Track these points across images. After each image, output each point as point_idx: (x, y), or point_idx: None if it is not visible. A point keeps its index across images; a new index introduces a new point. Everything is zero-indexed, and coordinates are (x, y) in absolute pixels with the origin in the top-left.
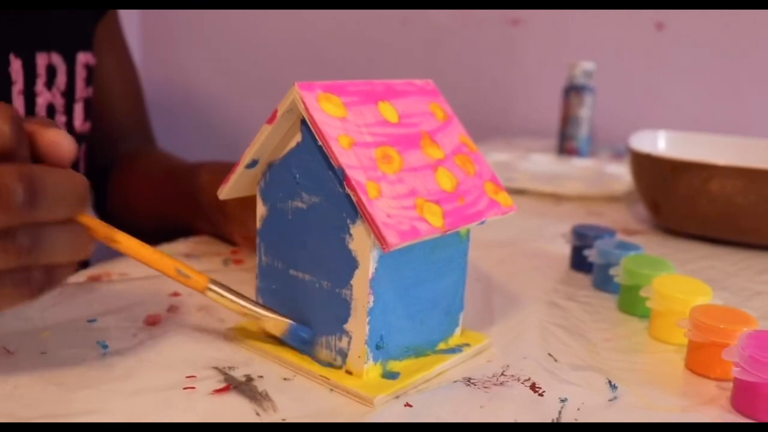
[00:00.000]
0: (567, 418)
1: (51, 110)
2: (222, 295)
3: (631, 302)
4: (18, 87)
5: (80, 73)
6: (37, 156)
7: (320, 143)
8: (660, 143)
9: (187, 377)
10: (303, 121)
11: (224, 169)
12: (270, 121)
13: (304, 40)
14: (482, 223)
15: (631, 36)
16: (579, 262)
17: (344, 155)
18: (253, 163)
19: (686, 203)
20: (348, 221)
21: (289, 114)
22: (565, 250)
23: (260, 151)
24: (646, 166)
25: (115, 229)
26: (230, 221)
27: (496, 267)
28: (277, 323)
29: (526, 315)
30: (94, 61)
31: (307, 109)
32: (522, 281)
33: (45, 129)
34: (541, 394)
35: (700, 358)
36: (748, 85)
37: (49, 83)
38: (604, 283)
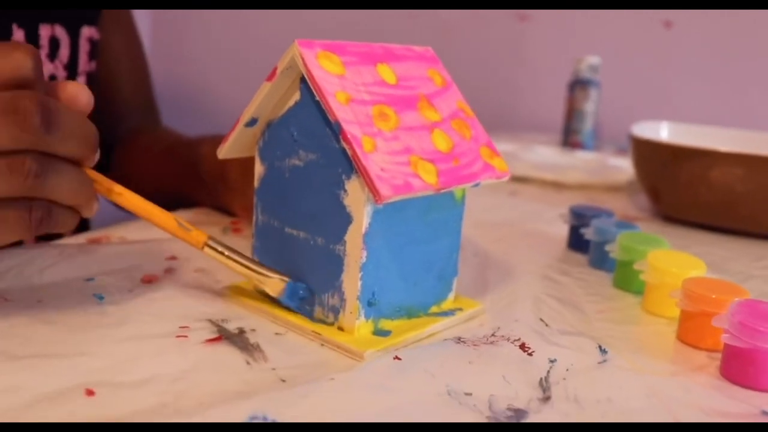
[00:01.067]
0: (555, 377)
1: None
2: (220, 252)
3: (626, 278)
4: None
5: (83, 47)
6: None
7: (318, 99)
8: (662, 133)
9: (180, 327)
10: (302, 80)
11: None
12: (269, 78)
13: (311, 36)
14: (477, 185)
15: (639, 33)
16: (576, 242)
17: (341, 110)
18: (252, 122)
19: (686, 191)
20: (343, 176)
21: (288, 72)
22: (563, 231)
23: (259, 109)
24: (647, 152)
25: (117, 184)
26: (230, 191)
27: (494, 244)
28: (274, 282)
29: (519, 286)
30: (98, 36)
31: (305, 65)
32: (518, 257)
33: (65, 82)
34: (530, 354)
35: (691, 329)
36: (754, 84)
37: (52, 55)
38: (600, 261)
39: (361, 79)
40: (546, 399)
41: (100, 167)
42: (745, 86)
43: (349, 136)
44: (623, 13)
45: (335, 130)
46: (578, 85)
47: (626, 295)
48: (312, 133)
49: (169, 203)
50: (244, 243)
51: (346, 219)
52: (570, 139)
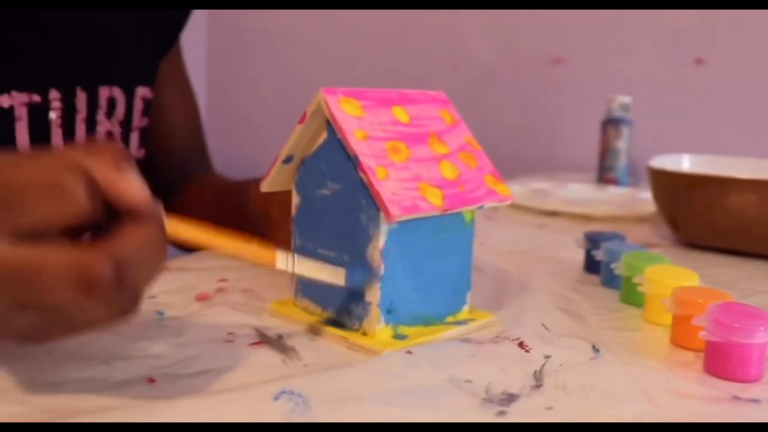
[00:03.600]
0: (548, 370)
1: (109, 138)
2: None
3: (631, 293)
4: (81, 116)
5: (137, 105)
6: (110, 204)
7: (339, 137)
8: (684, 165)
9: (228, 334)
10: (327, 122)
11: None
12: (300, 121)
13: (358, 79)
14: (481, 207)
15: (671, 71)
16: (591, 265)
17: (358, 145)
18: (288, 159)
19: (702, 217)
20: (363, 202)
21: (315, 115)
22: (582, 257)
23: (294, 148)
24: (663, 182)
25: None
26: (273, 226)
27: (514, 268)
28: (336, 273)
29: (530, 300)
30: (152, 95)
31: (329, 108)
32: (534, 278)
33: (117, 176)
34: (527, 351)
35: (681, 332)
36: None
37: (109, 113)
38: (610, 280)
39: (377, 119)
40: (537, 386)
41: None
42: None
43: (365, 167)
44: (655, 52)
45: (354, 162)
46: (610, 124)
47: (631, 308)
48: (337, 167)
49: None
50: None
51: (366, 238)
52: (604, 176)
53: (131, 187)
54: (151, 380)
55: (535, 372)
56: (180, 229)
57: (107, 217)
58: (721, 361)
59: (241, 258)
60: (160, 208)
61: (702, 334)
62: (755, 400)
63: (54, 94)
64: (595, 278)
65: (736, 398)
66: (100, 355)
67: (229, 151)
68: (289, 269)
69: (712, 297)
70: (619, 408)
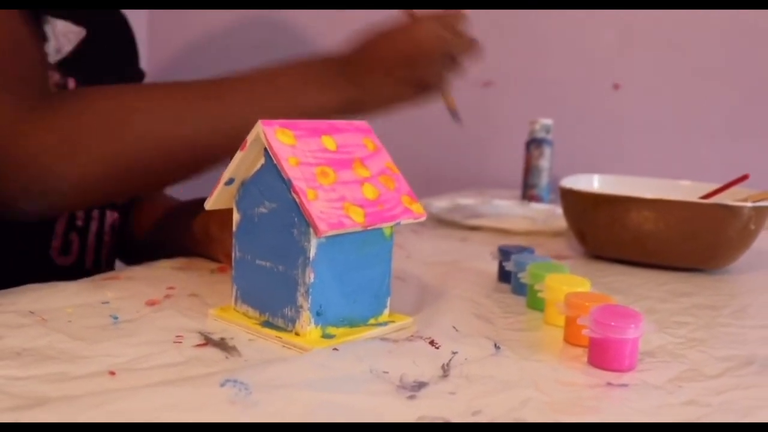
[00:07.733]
0: (455, 363)
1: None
2: None
3: (535, 299)
4: None
5: None
6: None
7: (275, 163)
8: (595, 184)
9: (176, 336)
10: (265, 149)
11: None
12: (242, 148)
13: None
14: (397, 224)
15: (590, 95)
16: (504, 275)
17: (292, 171)
18: (230, 181)
19: (605, 231)
20: (295, 219)
21: (255, 143)
22: (496, 268)
23: (235, 171)
24: (572, 200)
25: None
26: (213, 241)
27: (435, 278)
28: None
29: (444, 305)
30: None
31: (266, 138)
32: (452, 287)
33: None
34: (437, 348)
35: (572, 331)
36: (699, 137)
37: None
38: (519, 288)
39: (308, 147)
40: (444, 376)
41: (122, 224)
42: (691, 139)
43: (297, 189)
44: (575, 78)
45: (288, 185)
46: (533, 144)
47: (535, 313)
48: (273, 188)
49: (173, 253)
50: (226, 278)
51: (298, 250)
52: (528, 193)
53: None
54: (112, 373)
55: (443, 365)
56: None
57: None
58: (600, 354)
59: None
60: None
61: (585, 332)
62: (624, 385)
63: None
64: (506, 287)
65: (609, 384)
66: (62, 357)
67: None
68: None
69: (597, 300)
70: (511, 393)
